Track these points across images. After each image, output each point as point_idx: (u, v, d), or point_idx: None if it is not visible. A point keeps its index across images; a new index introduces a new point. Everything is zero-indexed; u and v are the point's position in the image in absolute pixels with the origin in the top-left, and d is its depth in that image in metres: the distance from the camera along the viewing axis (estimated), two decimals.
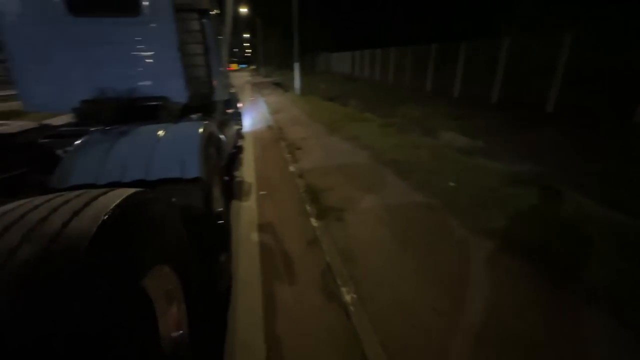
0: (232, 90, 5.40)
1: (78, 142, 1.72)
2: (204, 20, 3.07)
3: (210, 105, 3.48)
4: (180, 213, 1.27)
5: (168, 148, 1.73)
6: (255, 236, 2.87)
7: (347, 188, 3.85)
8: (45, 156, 1.65)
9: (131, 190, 0.95)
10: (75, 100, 2.71)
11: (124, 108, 2.68)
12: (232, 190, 3.93)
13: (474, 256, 2.47)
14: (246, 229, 2.99)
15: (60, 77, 2.76)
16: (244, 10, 34.88)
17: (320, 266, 2.43)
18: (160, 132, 1.89)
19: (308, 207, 3.35)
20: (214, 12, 3.66)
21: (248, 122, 8.16)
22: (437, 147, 5.39)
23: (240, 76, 35.14)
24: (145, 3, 2.77)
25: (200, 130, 1.91)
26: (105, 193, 0.92)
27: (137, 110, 2.73)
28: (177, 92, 2.92)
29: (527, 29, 9.64)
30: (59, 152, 1.90)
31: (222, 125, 3.63)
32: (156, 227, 1.01)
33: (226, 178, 2.62)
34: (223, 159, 3.17)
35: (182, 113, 2.93)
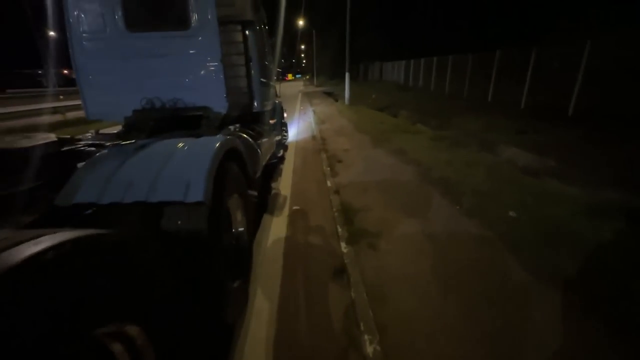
0: (277, 101, 5.37)
1: (92, 157, 1.65)
2: (247, 32, 3.09)
3: (251, 116, 3.42)
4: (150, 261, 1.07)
5: (176, 167, 1.59)
6: (279, 257, 2.66)
7: (385, 209, 3.48)
8: (63, 170, 1.61)
9: (58, 239, 0.77)
10: (128, 110, 2.91)
11: (168, 118, 2.82)
12: (266, 204, 3.81)
13: (536, 312, 1.96)
14: (272, 250, 2.80)
15: (115, 87, 2.99)
16: (300, 22, 36.34)
17: (344, 302, 2.13)
18: (178, 147, 1.78)
19: (340, 229, 3.06)
20: (260, 23, 3.65)
21: (293, 132, 8.13)
22: (497, 165, 4.73)
23: (294, 85, 36.38)
24: (193, 17, 2.91)
25: (216, 147, 1.76)
26: (33, 237, 0.75)
27: (180, 120, 2.84)
28: (218, 103, 2.97)
29: (609, 30, 8.30)
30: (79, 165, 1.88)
31: (261, 136, 3.56)
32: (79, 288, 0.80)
33: (254, 193, 2.46)
34: (256, 171, 3.06)
35: (222, 123, 2.95)
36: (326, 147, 6.46)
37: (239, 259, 2.22)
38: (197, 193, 1.47)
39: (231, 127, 3.03)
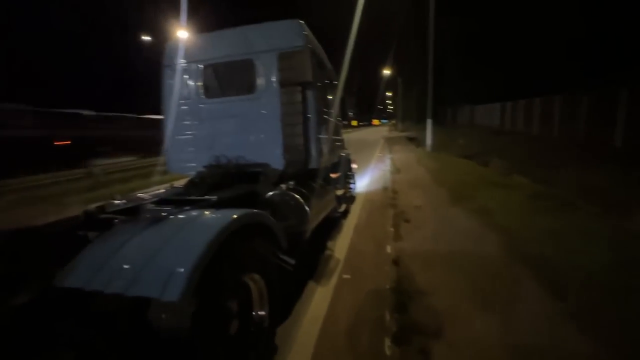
0: (344, 153, 5.30)
1: (102, 234, 1.64)
2: (307, 92, 3.24)
3: (308, 172, 3.45)
4: None
5: (168, 253, 1.44)
6: (309, 347, 2.24)
7: (453, 295, 2.76)
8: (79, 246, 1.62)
9: None
10: (200, 165, 3.43)
11: (231, 173, 3.16)
12: (316, 265, 3.51)
13: None
14: (304, 333, 2.41)
15: (192, 146, 3.63)
16: (386, 71, 37.76)
17: None
18: (185, 225, 1.66)
19: (389, 318, 2.49)
20: (323, 81, 3.84)
21: (364, 182, 7.80)
22: (630, 241, 3.45)
23: (378, 131, 36.82)
24: (258, 83, 3.38)
25: (221, 226, 1.57)
26: None
27: (242, 176, 3.10)
28: (276, 160, 3.28)
29: None
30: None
31: (317, 192, 3.48)
32: None
33: (290, 261, 2.27)
34: (305, 231, 2.92)
35: (280, 179, 3.13)
36: (396, 201, 5.91)
37: (257, 349, 1.91)
38: (173, 291, 1.25)
39: (284, 185, 3.02)
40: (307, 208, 2.93)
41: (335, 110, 4.54)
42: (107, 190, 7.60)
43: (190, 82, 3.66)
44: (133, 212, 1.90)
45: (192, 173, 3.41)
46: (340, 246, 4.09)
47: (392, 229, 4.45)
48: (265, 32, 3.34)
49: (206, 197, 2.21)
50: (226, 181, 2.97)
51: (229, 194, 2.44)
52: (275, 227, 2.13)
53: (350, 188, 5.87)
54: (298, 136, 3.20)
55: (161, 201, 2.19)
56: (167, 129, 3.85)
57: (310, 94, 3.22)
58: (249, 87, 3.51)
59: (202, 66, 3.57)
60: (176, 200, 2.16)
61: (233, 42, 3.45)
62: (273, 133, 3.29)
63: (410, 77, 31.54)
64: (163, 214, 1.66)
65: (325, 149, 3.59)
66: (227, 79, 3.83)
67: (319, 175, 3.71)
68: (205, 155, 3.46)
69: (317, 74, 3.41)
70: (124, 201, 2.16)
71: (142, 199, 2.41)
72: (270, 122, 3.30)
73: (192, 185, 3.03)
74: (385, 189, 7.14)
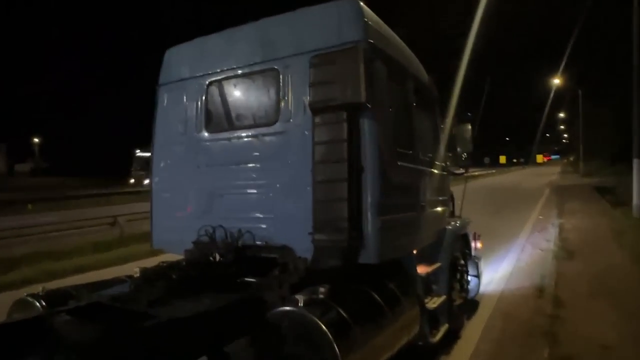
0: (453, 223, 4.02)
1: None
2: (362, 122, 2.37)
3: (359, 268, 2.42)
4: None
5: None
6: None
7: None
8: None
9: None
10: (191, 240, 2.76)
11: (230, 257, 2.49)
12: None
13: None
14: None
15: (184, 206, 3.02)
16: (557, 81, 30.55)
17: None
18: None
19: None
20: (398, 101, 2.91)
21: (500, 273, 5.64)
22: None
23: (541, 173, 29.72)
24: (284, 107, 2.63)
25: None
26: None
27: (246, 263, 2.47)
28: (300, 241, 2.41)
29: None
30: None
31: (369, 314, 2.32)
32: None
33: None
34: None
35: (307, 278, 2.27)
36: (559, 326, 3.65)
37: None
38: None
39: (302, 296, 1.98)
40: (337, 349, 1.81)
41: (434, 151, 3.69)
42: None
43: (189, 108, 3.08)
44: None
45: (181, 252, 2.83)
46: None
47: None
48: (296, 23, 2.68)
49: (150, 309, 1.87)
50: (223, 268, 2.41)
51: (203, 307, 1.93)
52: None
53: (465, 290, 4.01)
54: (338, 202, 2.28)
55: (75, 310, 1.89)
56: (154, 180, 3.33)
57: (367, 126, 2.36)
58: (268, 115, 2.78)
59: (205, 83, 3.01)
60: (103, 307, 1.89)
61: (249, 44, 2.84)
62: (301, 193, 2.44)
63: (599, 91, 24.38)
64: None
65: (404, 225, 2.77)
66: (238, 101, 3.14)
67: (382, 275, 2.64)
68: (199, 224, 2.77)
69: (384, 89, 2.57)
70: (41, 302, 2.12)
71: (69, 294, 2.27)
72: (299, 173, 2.47)
73: (187, 267, 2.51)
74: (540, 291, 4.75)
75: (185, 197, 3.08)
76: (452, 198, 4.39)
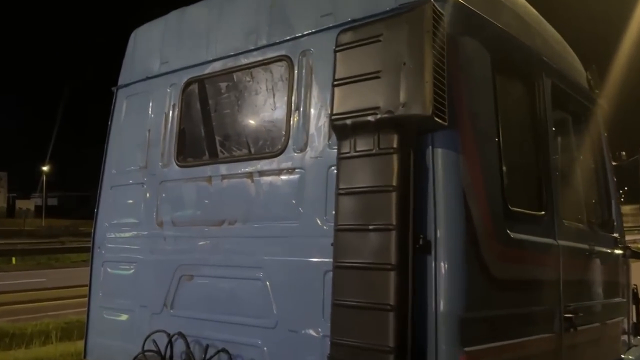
0: (632, 355, 2.44)
1: None
2: (432, 151, 1.45)
3: None
4: None
5: None
6: None
7: None
8: None
9: None
10: (134, 350, 1.91)
11: None
12: None
13: None
14: None
15: (130, 292, 2.16)
16: None
17: None
18: None
19: None
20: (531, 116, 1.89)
21: None
22: None
23: None
24: (295, 121, 1.77)
25: None
26: None
27: None
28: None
29: None
30: None
31: None
32: None
33: None
34: None
35: None
36: None
37: None
38: None
39: None
40: None
41: (596, 211, 2.43)
42: None
43: (154, 125, 2.20)
44: None
45: None
46: None
47: None
48: None
49: None
50: None
51: None
52: None
53: None
54: (377, 312, 1.32)
55: None
56: (95, 244, 2.38)
57: (442, 162, 1.44)
58: (271, 140, 1.98)
59: (181, 84, 2.14)
60: None
61: (247, 18, 1.97)
62: (318, 285, 1.58)
63: None
64: None
65: None
66: (227, 115, 2.26)
67: None
68: (155, 322, 1.99)
69: (484, 94, 1.59)
70: None
71: None
72: (315, 245, 1.62)
73: None
74: None
75: (139, 275, 2.17)
76: (636, 299, 2.63)
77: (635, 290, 2.57)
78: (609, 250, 2.35)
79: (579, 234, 2.10)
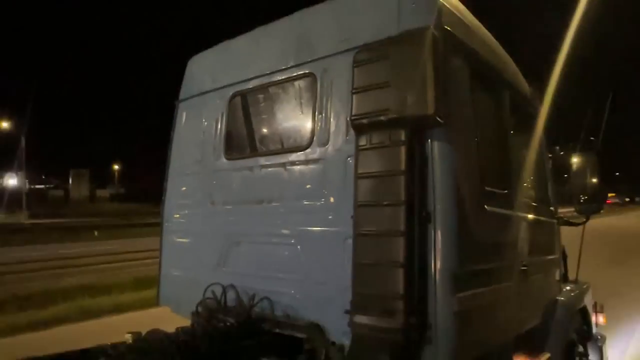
0: (567, 293, 3.23)
1: None
2: (431, 144, 1.78)
3: None
4: None
5: None
6: None
7: None
8: None
9: None
10: (197, 298, 2.35)
11: (241, 331, 2.01)
12: None
13: None
14: None
15: (192, 255, 2.66)
16: None
17: None
18: None
19: None
20: (495, 118, 2.44)
21: (631, 353, 4.39)
22: None
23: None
24: (318, 124, 2.15)
25: None
26: None
27: (261, 342, 2.03)
28: (335, 319, 1.89)
29: None
30: None
31: None
32: None
33: None
34: None
35: None
36: None
37: None
38: None
39: None
40: None
41: (539, 191, 3.06)
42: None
43: (207, 128, 2.70)
44: None
45: (187, 313, 2.43)
46: None
47: None
48: (339, 11, 2.19)
49: None
50: (229, 345, 1.91)
51: None
52: None
53: None
54: (390, 268, 1.70)
55: None
56: (165, 219, 2.95)
57: (438, 151, 1.79)
58: (300, 137, 2.37)
59: (227, 96, 2.62)
60: None
61: (279, 44, 2.42)
62: (338, 249, 1.93)
63: None
64: None
65: (494, 303, 2.13)
66: (264, 119, 2.76)
67: None
68: (212, 276, 2.38)
69: (465, 99, 1.99)
70: None
71: None
72: (337, 219, 1.97)
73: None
74: None
75: (198, 242, 2.67)
76: (564, 256, 3.43)
77: (563, 250, 3.44)
78: (548, 219, 3.12)
79: (529, 207, 2.68)
